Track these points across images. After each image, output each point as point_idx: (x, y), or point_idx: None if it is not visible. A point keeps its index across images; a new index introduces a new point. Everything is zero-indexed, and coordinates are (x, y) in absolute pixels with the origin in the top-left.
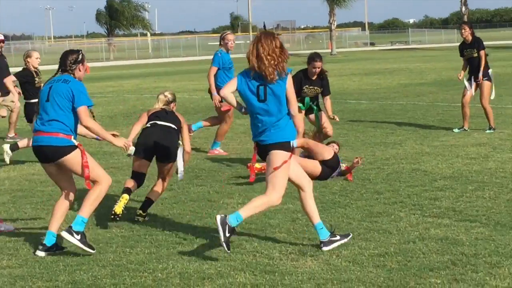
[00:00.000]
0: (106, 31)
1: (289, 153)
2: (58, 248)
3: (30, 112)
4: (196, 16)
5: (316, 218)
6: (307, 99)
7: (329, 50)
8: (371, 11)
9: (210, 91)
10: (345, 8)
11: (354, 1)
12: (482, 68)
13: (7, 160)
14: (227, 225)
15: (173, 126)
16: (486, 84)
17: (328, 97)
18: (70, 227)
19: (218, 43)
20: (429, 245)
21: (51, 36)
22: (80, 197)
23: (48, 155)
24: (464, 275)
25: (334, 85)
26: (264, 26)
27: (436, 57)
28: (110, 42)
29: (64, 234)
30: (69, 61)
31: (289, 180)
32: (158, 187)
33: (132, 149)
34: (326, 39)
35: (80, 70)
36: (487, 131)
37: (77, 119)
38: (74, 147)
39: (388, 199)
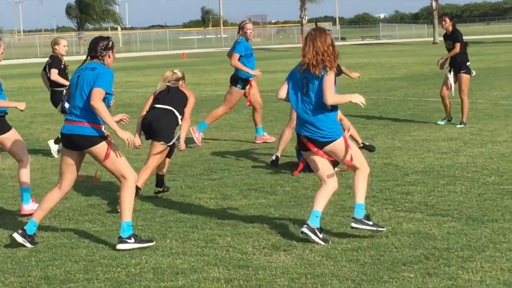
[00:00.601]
0: (76, 25)
1: (342, 138)
2: (33, 241)
3: (57, 100)
4: (167, 10)
5: (359, 199)
6: None
7: (300, 45)
8: (341, 6)
9: (231, 80)
10: (316, 3)
11: None
12: (448, 57)
13: (56, 155)
14: (314, 230)
15: (170, 108)
16: (465, 77)
17: (342, 68)
18: (121, 237)
19: (237, 32)
20: (401, 239)
21: (20, 30)
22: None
23: (77, 143)
24: (436, 269)
25: None
26: (316, 23)
27: (406, 52)
28: (81, 36)
29: (121, 247)
30: (100, 47)
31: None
32: (161, 165)
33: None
34: (297, 33)
35: (109, 57)
36: (458, 126)
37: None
38: (103, 138)
39: None
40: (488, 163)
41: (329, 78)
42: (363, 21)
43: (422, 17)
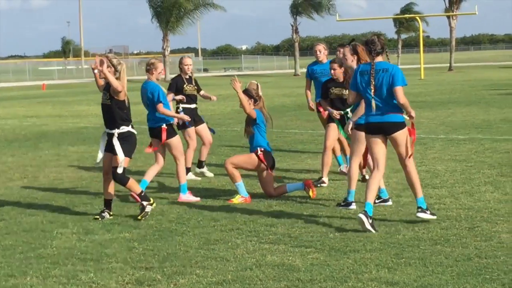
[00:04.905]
0: None
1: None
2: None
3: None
4: (25, 40)
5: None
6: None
7: (163, 76)
8: (204, 37)
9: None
10: (178, 34)
11: (187, 27)
12: None
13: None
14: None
15: None
16: None
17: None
18: (421, 207)
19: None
20: (266, 271)
21: None
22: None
23: (387, 130)
24: None
25: None
26: (353, 39)
27: (268, 83)
28: None
29: (421, 215)
30: (383, 42)
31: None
32: None
33: None
34: None
35: None
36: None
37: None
38: (404, 125)
39: (225, 226)
40: None
41: None
42: (225, 53)
43: (283, 49)
